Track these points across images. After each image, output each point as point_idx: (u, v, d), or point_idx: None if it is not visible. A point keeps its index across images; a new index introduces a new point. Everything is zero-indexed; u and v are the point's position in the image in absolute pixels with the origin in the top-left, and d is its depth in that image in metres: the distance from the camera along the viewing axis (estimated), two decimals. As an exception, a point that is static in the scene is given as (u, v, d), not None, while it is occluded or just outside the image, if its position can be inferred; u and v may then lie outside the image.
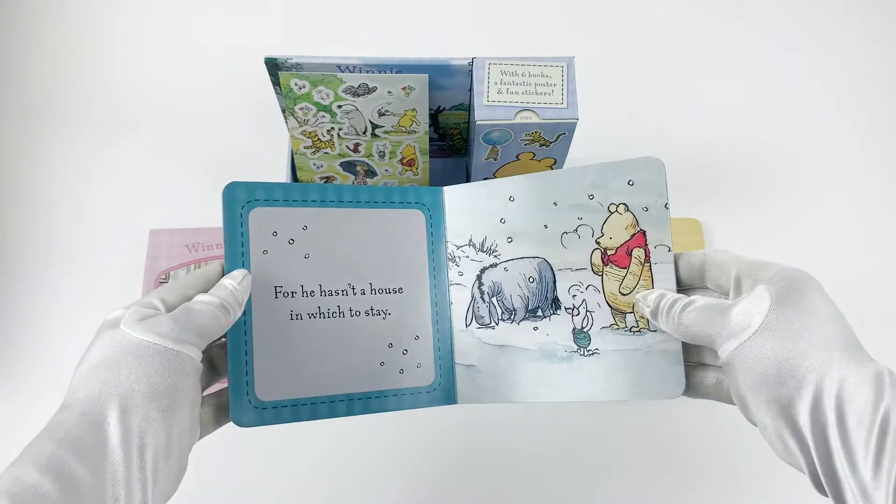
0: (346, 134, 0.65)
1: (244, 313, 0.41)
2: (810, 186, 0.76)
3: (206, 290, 0.39)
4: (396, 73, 0.60)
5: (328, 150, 0.67)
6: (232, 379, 0.40)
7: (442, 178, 0.75)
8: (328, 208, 0.44)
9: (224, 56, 0.81)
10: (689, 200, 0.75)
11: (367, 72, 0.60)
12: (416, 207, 0.47)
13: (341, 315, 0.44)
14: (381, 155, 0.68)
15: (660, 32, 0.85)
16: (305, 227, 0.44)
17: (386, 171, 0.70)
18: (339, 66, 0.59)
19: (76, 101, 0.79)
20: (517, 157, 0.64)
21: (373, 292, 0.45)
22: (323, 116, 0.63)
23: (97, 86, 0.80)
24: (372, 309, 0.44)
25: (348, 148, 0.67)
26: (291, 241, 0.43)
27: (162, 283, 0.68)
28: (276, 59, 0.59)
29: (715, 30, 0.85)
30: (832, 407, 0.32)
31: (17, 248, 0.71)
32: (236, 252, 0.42)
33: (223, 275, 0.41)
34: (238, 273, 0.40)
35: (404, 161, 0.69)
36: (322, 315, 0.43)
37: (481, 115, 0.58)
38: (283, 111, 0.64)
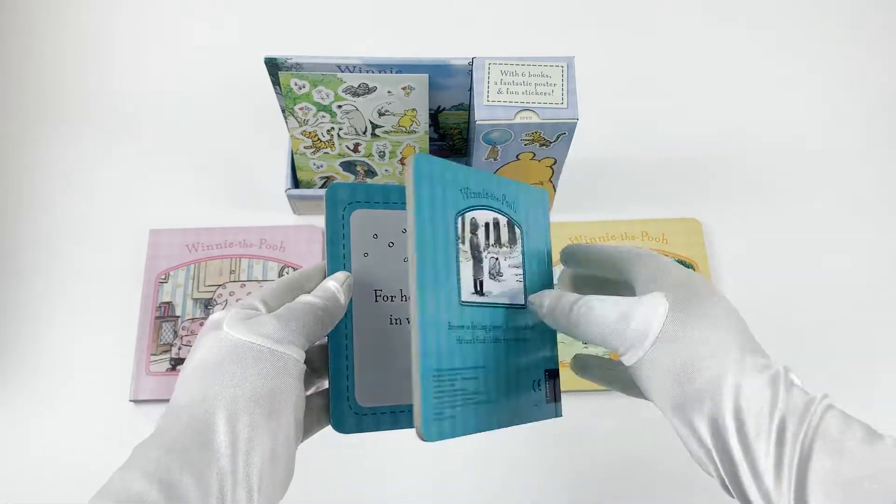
0: (346, 134, 0.65)
1: (345, 316, 0.40)
2: (811, 186, 0.76)
3: (307, 292, 0.38)
4: (396, 73, 0.60)
5: (328, 150, 0.67)
6: (333, 383, 0.39)
7: (442, 178, 0.74)
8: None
9: (224, 56, 0.81)
10: (689, 200, 0.75)
11: (367, 72, 0.60)
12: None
13: None
14: (381, 155, 0.68)
15: (660, 32, 0.85)
16: (405, 231, 0.42)
17: (386, 171, 0.70)
18: (339, 66, 0.59)
19: (76, 102, 0.79)
20: (517, 157, 0.64)
21: None
22: (323, 116, 0.63)
23: (97, 86, 0.80)
24: None
25: (348, 148, 0.67)
26: (391, 245, 0.42)
27: (162, 283, 0.68)
28: (276, 59, 0.59)
29: (715, 30, 0.85)
30: (731, 417, 0.32)
31: (17, 248, 0.71)
32: (337, 253, 0.41)
33: (324, 276, 0.40)
34: (341, 275, 0.39)
35: (404, 161, 0.69)
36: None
37: (481, 115, 0.58)
38: (283, 111, 0.64)
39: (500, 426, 0.39)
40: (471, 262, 0.38)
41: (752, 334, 0.35)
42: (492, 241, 0.40)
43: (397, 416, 0.40)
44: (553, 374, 0.43)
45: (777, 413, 0.31)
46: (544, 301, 0.39)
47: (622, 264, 0.39)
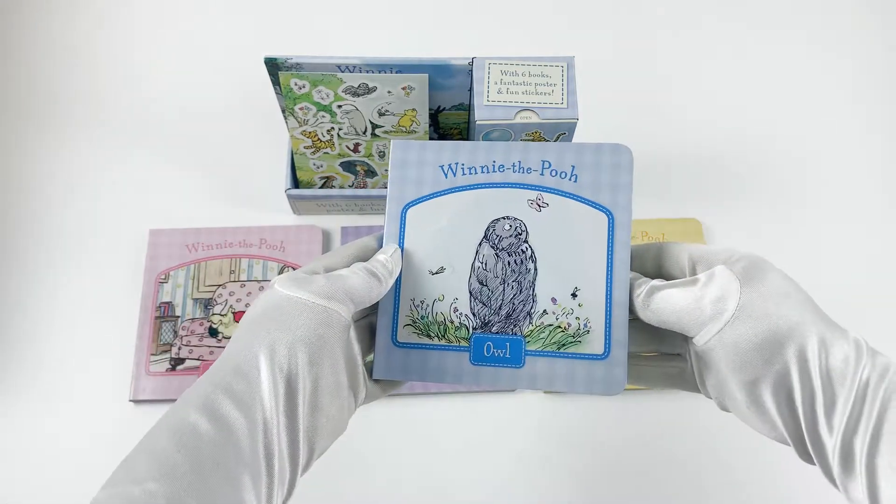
0: (346, 134, 0.65)
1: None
2: (812, 186, 0.76)
3: (363, 260, 0.41)
4: (396, 73, 0.60)
5: (328, 150, 0.67)
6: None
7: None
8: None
9: (224, 56, 0.81)
10: (689, 200, 0.75)
11: (367, 72, 0.60)
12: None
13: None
14: (381, 155, 0.68)
15: (660, 32, 0.85)
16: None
17: (386, 171, 0.70)
18: (339, 66, 0.59)
19: (76, 102, 0.79)
20: (517, 157, 0.64)
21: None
22: (323, 116, 0.63)
23: (97, 87, 0.80)
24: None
25: (348, 148, 0.67)
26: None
27: (162, 283, 0.68)
28: (276, 59, 0.59)
29: (715, 29, 0.85)
30: (817, 375, 0.33)
31: (17, 247, 0.71)
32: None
33: (379, 248, 0.42)
34: (389, 247, 0.41)
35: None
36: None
37: (481, 115, 0.58)
38: (283, 111, 0.64)
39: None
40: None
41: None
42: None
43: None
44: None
45: (863, 371, 0.32)
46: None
47: (665, 256, 0.40)
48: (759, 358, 0.34)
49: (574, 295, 0.41)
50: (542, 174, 0.42)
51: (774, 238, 0.73)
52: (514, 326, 0.41)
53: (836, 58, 0.83)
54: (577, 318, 0.40)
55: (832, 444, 0.32)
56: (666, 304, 0.37)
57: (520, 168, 0.42)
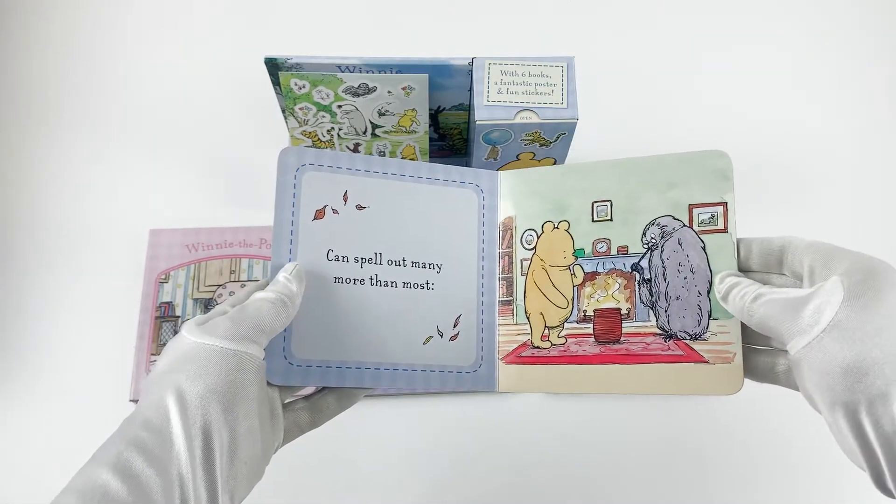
0: (346, 134, 0.65)
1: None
2: (814, 185, 0.76)
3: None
4: (396, 73, 0.60)
5: (328, 150, 0.67)
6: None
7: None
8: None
9: (224, 56, 0.81)
10: (689, 200, 0.74)
11: (367, 72, 0.60)
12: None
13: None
14: (381, 155, 0.68)
15: (660, 32, 0.84)
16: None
17: (386, 171, 0.70)
18: (339, 66, 0.59)
19: (76, 102, 0.79)
20: (517, 156, 0.64)
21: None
22: (323, 116, 0.63)
23: (97, 86, 0.80)
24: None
25: (348, 148, 0.67)
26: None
27: (162, 283, 0.68)
28: (276, 59, 0.59)
29: (715, 29, 0.85)
30: (892, 423, 0.30)
31: (17, 247, 0.71)
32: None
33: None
34: (289, 265, 0.41)
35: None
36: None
37: (481, 115, 0.58)
38: (283, 111, 0.64)
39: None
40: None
41: None
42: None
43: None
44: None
45: None
46: (722, 287, 0.40)
47: (788, 256, 0.39)
48: (841, 383, 0.31)
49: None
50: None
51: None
52: None
53: (838, 57, 0.83)
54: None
55: None
56: (768, 310, 0.35)
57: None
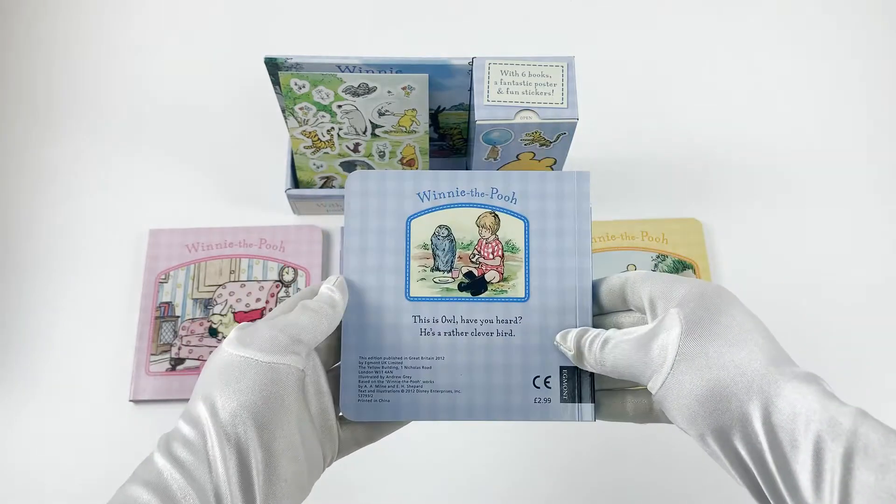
0: (346, 134, 0.65)
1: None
2: (811, 186, 0.76)
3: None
4: (396, 73, 0.60)
5: (328, 150, 0.67)
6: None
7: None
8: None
9: (224, 56, 0.81)
10: (689, 200, 0.75)
11: (367, 72, 0.60)
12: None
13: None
14: (381, 155, 0.68)
15: (660, 32, 0.84)
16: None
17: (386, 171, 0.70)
18: (339, 66, 0.59)
19: (76, 102, 0.79)
20: (517, 156, 0.64)
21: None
22: (323, 116, 0.63)
23: (97, 86, 0.80)
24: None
25: (348, 148, 0.67)
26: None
27: (162, 283, 0.68)
28: (276, 59, 0.59)
29: (715, 29, 0.85)
30: (764, 436, 0.31)
31: (17, 248, 0.71)
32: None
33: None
34: (332, 277, 0.40)
35: (404, 161, 0.69)
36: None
37: (481, 115, 0.58)
38: (283, 111, 0.64)
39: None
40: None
41: (776, 343, 0.34)
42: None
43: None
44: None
45: (812, 427, 0.30)
46: (569, 343, 0.39)
47: (627, 292, 0.38)
48: (702, 411, 0.32)
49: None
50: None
51: (775, 238, 0.73)
52: None
53: (837, 58, 0.83)
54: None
55: None
56: (618, 355, 0.35)
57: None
